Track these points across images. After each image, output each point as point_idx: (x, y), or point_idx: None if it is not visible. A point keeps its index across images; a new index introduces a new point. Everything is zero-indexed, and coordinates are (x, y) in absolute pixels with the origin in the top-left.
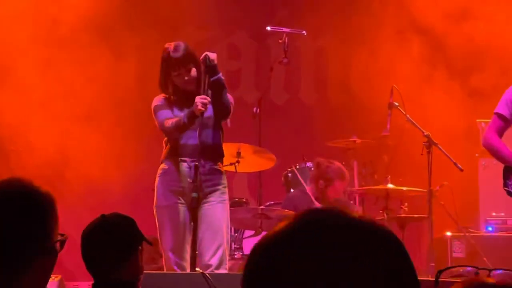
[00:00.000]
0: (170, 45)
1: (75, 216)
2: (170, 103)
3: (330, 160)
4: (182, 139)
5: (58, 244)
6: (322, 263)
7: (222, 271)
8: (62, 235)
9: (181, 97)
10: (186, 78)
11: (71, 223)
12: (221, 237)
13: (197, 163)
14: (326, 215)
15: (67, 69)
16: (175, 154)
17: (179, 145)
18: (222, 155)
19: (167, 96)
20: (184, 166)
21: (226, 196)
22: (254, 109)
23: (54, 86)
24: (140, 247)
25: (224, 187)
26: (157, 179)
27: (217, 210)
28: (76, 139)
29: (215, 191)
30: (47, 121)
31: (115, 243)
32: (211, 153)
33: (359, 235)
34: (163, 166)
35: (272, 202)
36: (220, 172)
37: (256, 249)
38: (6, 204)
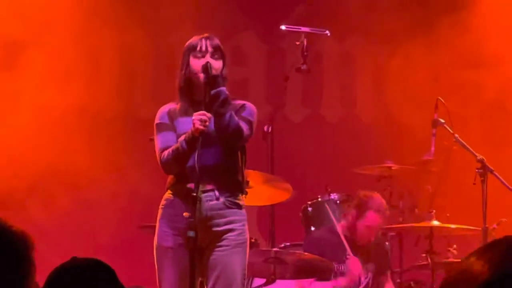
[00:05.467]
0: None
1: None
2: (180, 113)
3: (372, 191)
4: (190, 161)
5: None
6: None
7: None
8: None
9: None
10: (208, 62)
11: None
12: None
13: (195, 193)
14: None
15: (34, 73)
16: (182, 179)
17: (186, 168)
18: (242, 184)
19: (176, 104)
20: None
21: (245, 237)
22: (265, 128)
23: (18, 93)
24: None
25: (243, 225)
26: (159, 212)
27: (232, 256)
28: (44, 157)
29: (230, 231)
30: (9, 135)
31: None
32: (224, 180)
33: None
34: (167, 195)
35: (288, 244)
36: (239, 207)
37: None
38: None
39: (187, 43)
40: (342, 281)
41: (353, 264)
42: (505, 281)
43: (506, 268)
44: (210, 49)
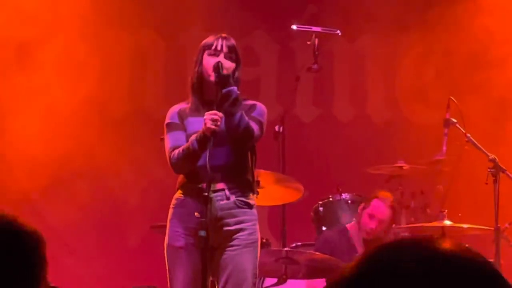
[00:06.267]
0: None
1: None
2: (191, 112)
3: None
4: (201, 160)
5: None
6: None
7: None
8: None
9: (208, 99)
10: (219, 61)
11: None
12: None
13: (206, 193)
14: (399, 253)
15: (46, 73)
16: (192, 179)
17: (197, 167)
18: (252, 184)
19: (187, 104)
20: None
21: (256, 237)
22: (276, 128)
23: (30, 93)
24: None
25: (254, 225)
26: (170, 212)
27: (243, 255)
28: (57, 157)
29: (241, 230)
30: (21, 135)
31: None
32: (234, 180)
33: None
34: (178, 195)
35: (299, 243)
36: (250, 206)
37: None
38: None
39: (204, 41)
40: None
41: None
42: (365, 276)
43: (370, 264)
44: (225, 49)
